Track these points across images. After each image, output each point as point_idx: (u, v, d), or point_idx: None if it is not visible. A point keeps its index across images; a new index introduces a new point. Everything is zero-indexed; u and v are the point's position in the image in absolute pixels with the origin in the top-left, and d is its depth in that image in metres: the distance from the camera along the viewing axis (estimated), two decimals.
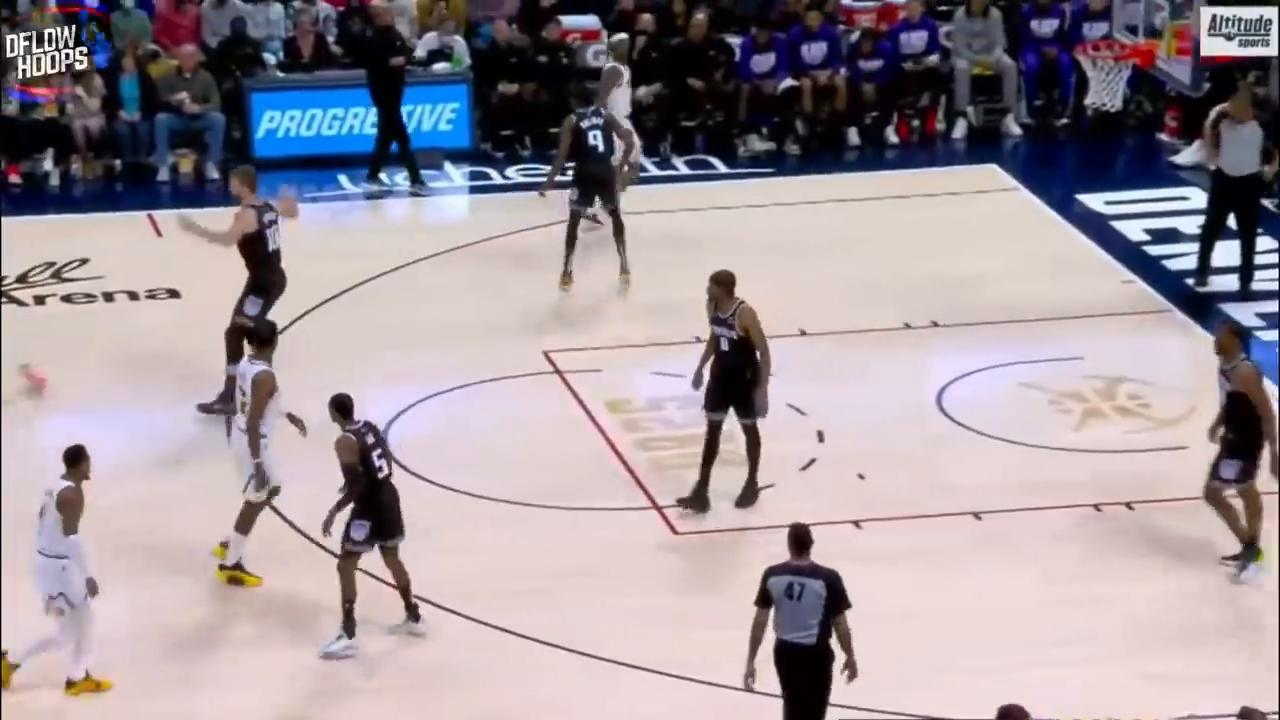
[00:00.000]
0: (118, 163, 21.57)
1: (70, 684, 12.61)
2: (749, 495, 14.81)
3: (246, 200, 16.15)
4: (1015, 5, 23.10)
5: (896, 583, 13.45)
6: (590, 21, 22.93)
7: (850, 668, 11.42)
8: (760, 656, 11.57)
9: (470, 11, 22.96)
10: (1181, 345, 17.55)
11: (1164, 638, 13.32)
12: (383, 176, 21.09)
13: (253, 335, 14.25)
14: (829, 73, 22.20)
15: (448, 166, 21.62)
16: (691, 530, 14.63)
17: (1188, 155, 21.35)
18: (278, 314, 15.87)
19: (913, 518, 14.59)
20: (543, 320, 17.81)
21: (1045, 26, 22.64)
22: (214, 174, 21.43)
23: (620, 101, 19.89)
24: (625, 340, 17.36)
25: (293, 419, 13.90)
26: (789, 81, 22.16)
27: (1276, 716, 11.40)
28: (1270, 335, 17.70)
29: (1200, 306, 18.11)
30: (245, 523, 13.85)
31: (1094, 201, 20.65)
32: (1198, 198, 19.93)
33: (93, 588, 12.43)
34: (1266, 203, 19.91)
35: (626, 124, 19.39)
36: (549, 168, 19.30)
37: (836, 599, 11.40)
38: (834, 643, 11.41)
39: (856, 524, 14.39)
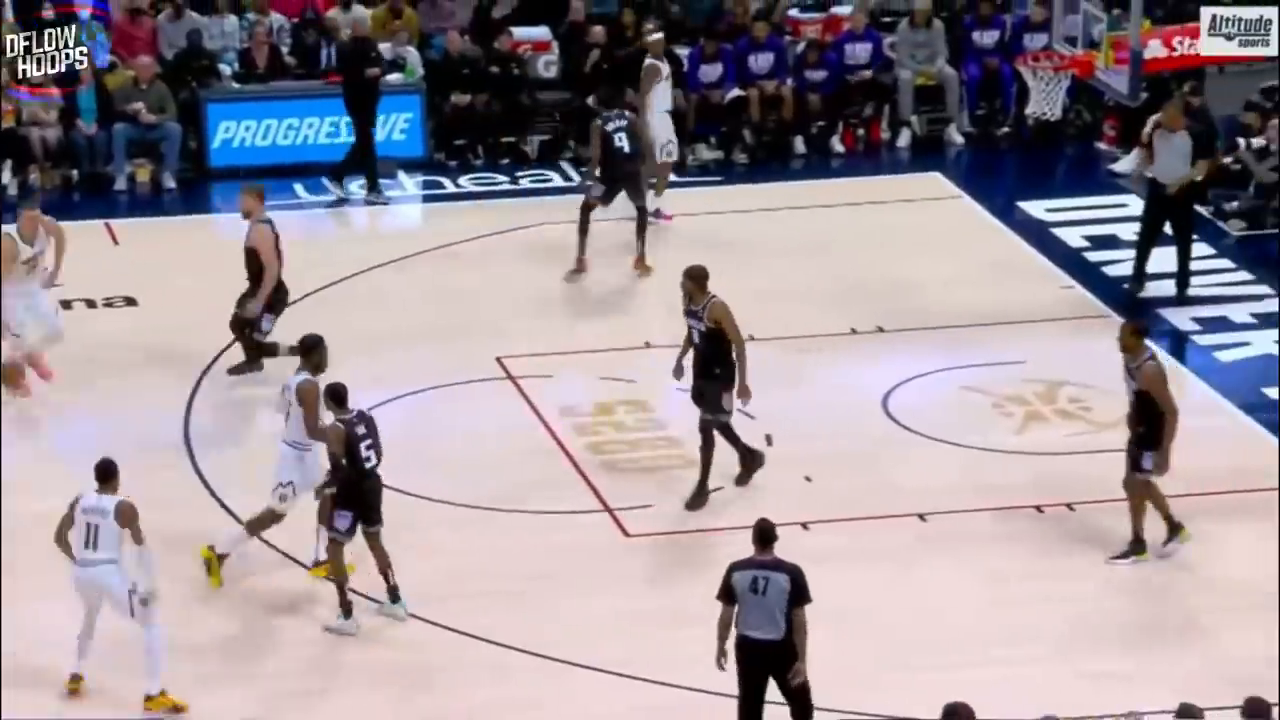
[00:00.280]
0: (75, 172, 21.50)
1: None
2: (699, 498, 14.86)
3: (258, 215, 16.25)
4: (957, 17, 23.22)
5: (843, 583, 13.49)
6: (541, 33, 22.94)
7: (798, 669, 11.46)
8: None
9: (423, 23, 22.94)
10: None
11: (1105, 636, 13.41)
12: (377, 183, 21.08)
13: (298, 347, 14.26)
14: (776, 83, 22.26)
15: (401, 175, 21.61)
16: (643, 532, 14.66)
17: (1126, 163, 21.48)
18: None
19: (859, 519, 14.65)
20: (495, 327, 17.82)
21: (986, 38, 22.76)
22: (170, 183, 21.39)
23: (662, 98, 20.08)
24: (576, 346, 17.39)
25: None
26: (736, 91, 22.22)
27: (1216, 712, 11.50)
28: (1205, 340, 17.84)
29: (1138, 312, 18.20)
30: (257, 525, 13.86)
31: (1035, 209, 20.76)
32: (1136, 205, 20.03)
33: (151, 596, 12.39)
34: (1201, 209, 20.09)
35: (649, 124, 19.54)
36: (581, 174, 19.32)
37: (799, 593, 11.44)
38: None
39: (804, 525, 14.43)
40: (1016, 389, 16.69)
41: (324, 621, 13.41)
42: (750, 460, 15.05)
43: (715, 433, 14.78)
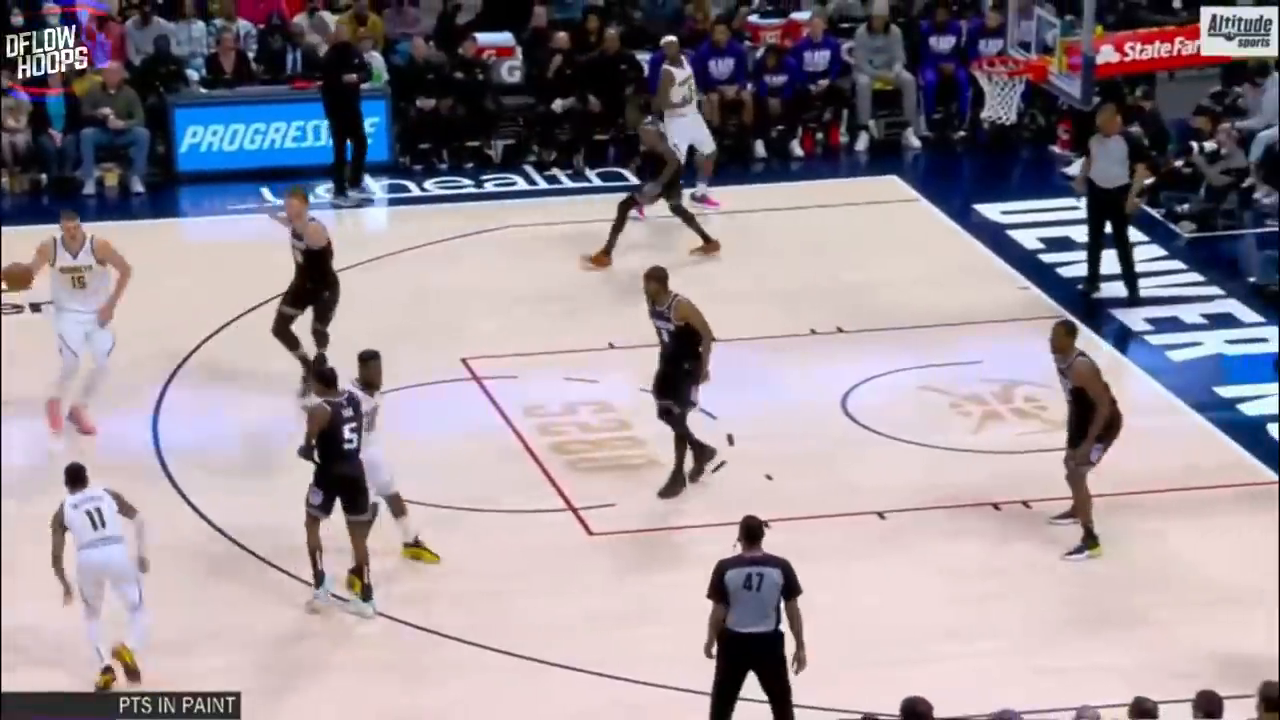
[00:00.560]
0: (44, 177, 21.44)
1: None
2: (674, 485, 14.84)
3: (307, 217, 16.23)
4: (914, 22, 23.28)
5: (803, 581, 13.39)
6: (504, 38, 22.94)
7: (800, 658, 11.51)
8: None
9: (389, 29, 22.92)
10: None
11: (1059, 631, 13.47)
12: (366, 182, 21.14)
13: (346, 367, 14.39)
14: (736, 88, 22.29)
15: (367, 179, 21.57)
16: (606, 531, 14.68)
17: (1079, 167, 21.55)
18: (213, 323, 15.85)
19: (819, 517, 14.68)
20: (460, 328, 17.81)
21: (943, 43, 22.82)
22: (139, 188, 21.33)
23: (684, 99, 20.37)
24: (540, 347, 17.39)
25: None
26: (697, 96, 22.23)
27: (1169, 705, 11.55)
28: (1157, 340, 17.92)
29: (1092, 312, 18.29)
30: (399, 506, 14.03)
31: (990, 211, 20.81)
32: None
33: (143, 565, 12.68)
34: (1152, 211, 20.19)
35: (669, 127, 19.93)
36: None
37: (792, 585, 11.46)
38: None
39: (765, 524, 14.40)
40: (973, 389, 16.74)
41: (305, 604, 13.49)
42: (701, 455, 15.05)
43: (683, 422, 14.79)
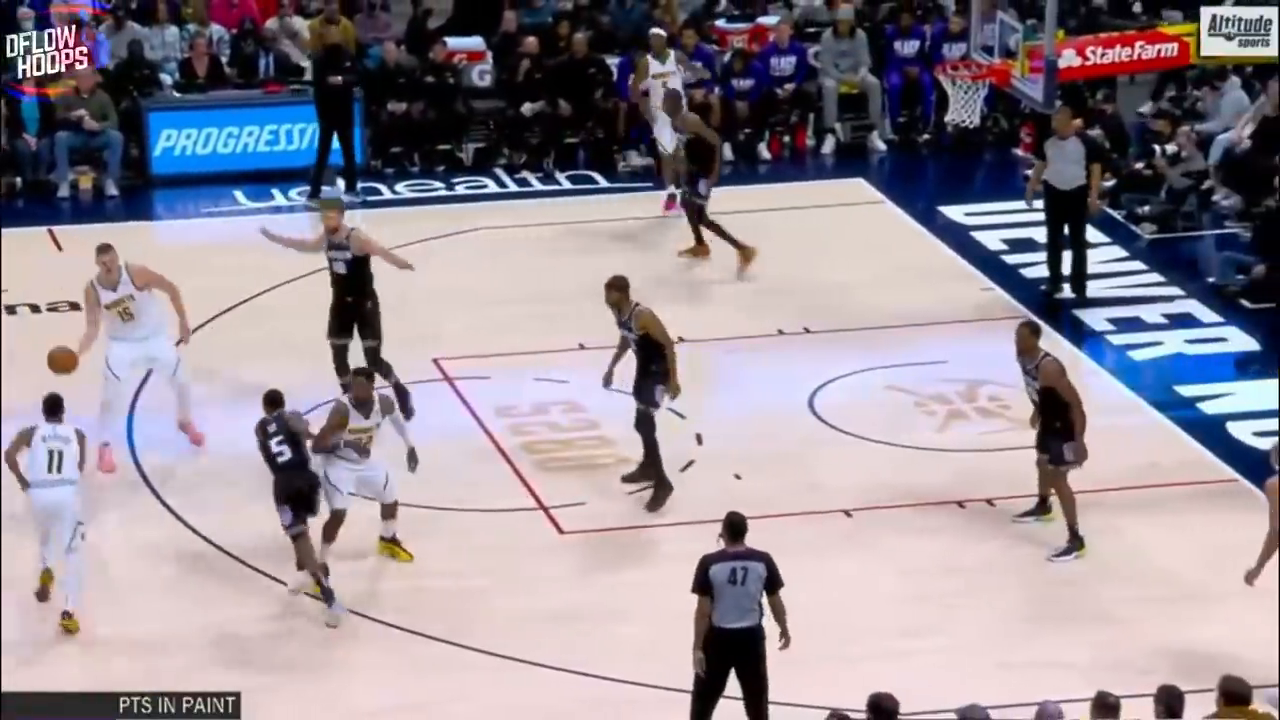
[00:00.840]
0: (18, 180, 21.38)
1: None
2: (660, 494, 14.82)
3: (347, 225, 16.00)
4: (879, 27, 23.32)
5: None
6: (475, 43, 22.95)
7: (785, 637, 11.57)
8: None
9: (360, 34, 22.89)
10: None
11: (1023, 627, 13.52)
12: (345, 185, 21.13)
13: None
14: (704, 91, 22.31)
15: (340, 183, 21.55)
16: (577, 529, 14.69)
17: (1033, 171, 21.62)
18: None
19: (787, 515, 14.70)
20: (432, 329, 17.80)
21: (907, 47, 22.88)
22: (113, 191, 21.31)
23: (655, 94, 20.49)
24: (510, 348, 17.38)
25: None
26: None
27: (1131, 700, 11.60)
28: (1118, 340, 17.99)
29: (1054, 312, 18.35)
30: (391, 511, 14.06)
31: (955, 213, 20.87)
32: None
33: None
34: (1113, 213, 20.26)
35: (701, 121, 19.85)
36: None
37: (774, 579, 11.48)
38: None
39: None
40: (938, 388, 16.79)
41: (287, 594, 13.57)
42: (645, 475, 14.96)
43: (648, 420, 14.79)
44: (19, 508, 13.83)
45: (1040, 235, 19.38)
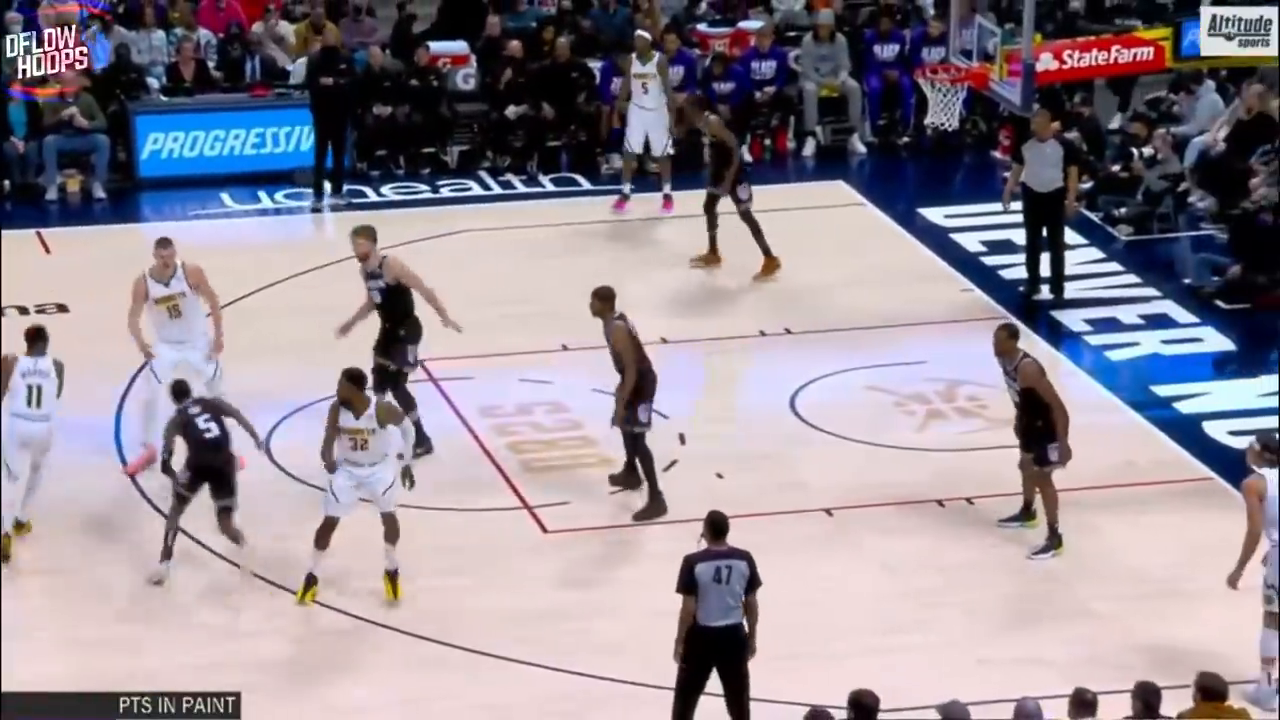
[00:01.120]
0: (7, 183, 21.33)
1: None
2: (653, 506, 14.73)
3: (378, 253, 15.38)
4: (859, 31, 23.34)
5: None
6: (459, 47, 22.94)
7: (751, 647, 11.52)
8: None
9: (345, 38, 22.85)
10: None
11: (1002, 624, 13.54)
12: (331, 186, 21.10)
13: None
14: (685, 94, 22.29)
15: (326, 186, 21.50)
16: (561, 529, 14.69)
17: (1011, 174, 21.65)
18: None
19: (768, 514, 14.71)
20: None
21: (887, 51, 22.90)
22: (100, 193, 21.28)
23: (636, 93, 20.51)
24: (495, 348, 17.37)
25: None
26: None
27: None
28: (1095, 340, 18.02)
29: (1032, 313, 18.37)
30: (392, 528, 13.80)
31: (934, 215, 20.88)
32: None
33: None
34: (1091, 214, 20.29)
35: (724, 123, 19.79)
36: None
37: (754, 578, 11.47)
38: None
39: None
40: (918, 388, 16.81)
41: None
42: (630, 480, 14.92)
43: (631, 437, 14.74)
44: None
45: (1019, 237, 19.41)
